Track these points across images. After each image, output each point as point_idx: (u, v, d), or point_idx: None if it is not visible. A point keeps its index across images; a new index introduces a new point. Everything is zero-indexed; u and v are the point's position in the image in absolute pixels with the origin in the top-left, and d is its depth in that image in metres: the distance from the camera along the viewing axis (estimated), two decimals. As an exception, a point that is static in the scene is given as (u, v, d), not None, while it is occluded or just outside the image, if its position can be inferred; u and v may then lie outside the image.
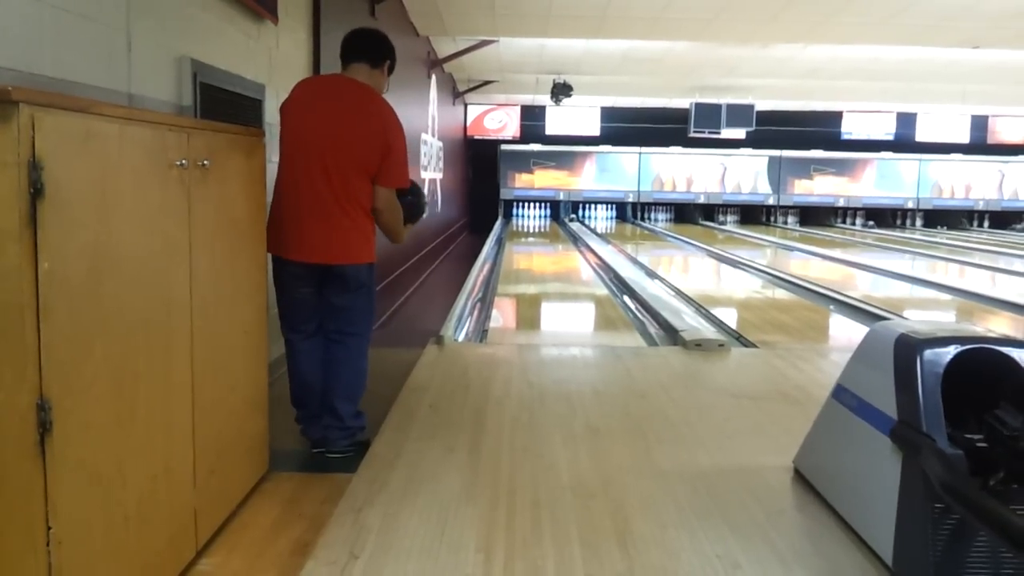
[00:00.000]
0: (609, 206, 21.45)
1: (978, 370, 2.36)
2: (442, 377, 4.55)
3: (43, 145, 1.61)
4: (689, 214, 21.37)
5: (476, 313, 7.56)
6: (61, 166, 1.67)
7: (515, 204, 21.18)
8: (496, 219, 19.59)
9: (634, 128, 20.43)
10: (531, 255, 14.41)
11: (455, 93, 16.18)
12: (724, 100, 16.69)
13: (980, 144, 20.72)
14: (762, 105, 17.37)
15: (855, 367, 2.83)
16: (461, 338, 6.15)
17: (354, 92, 3.24)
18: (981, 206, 21.50)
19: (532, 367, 4.96)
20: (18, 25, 2.26)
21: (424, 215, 3.47)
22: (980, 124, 20.56)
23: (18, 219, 1.59)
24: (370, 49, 3.32)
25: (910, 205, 21.46)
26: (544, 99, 16.33)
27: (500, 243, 14.77)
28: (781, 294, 9.21)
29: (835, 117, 20.47)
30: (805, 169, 21.13)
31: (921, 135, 20.65)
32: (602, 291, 9.22)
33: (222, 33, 3.80)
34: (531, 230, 19.37)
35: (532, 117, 20.52)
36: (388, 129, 3.23)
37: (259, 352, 2.97)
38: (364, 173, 3.19)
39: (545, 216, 21.20)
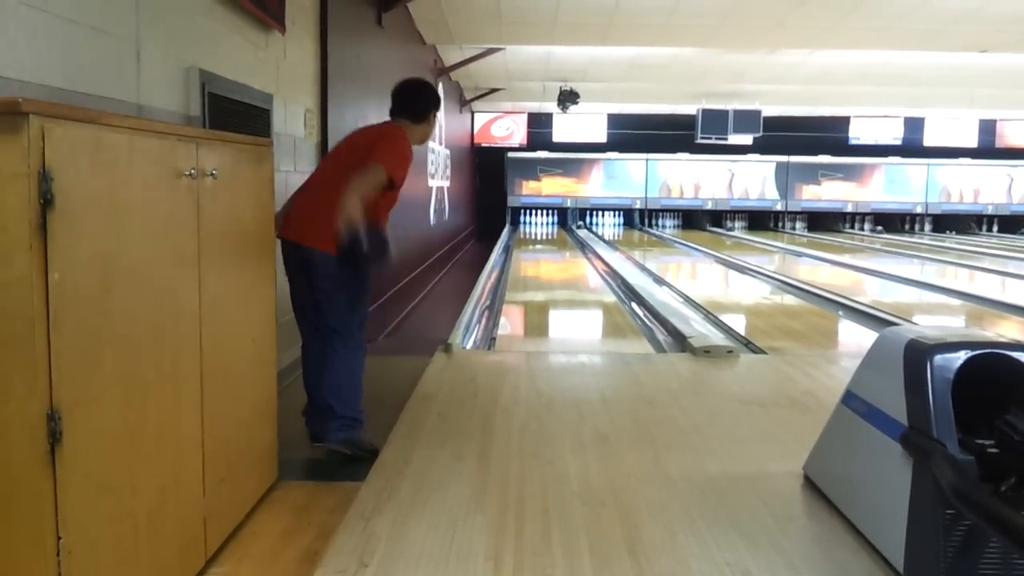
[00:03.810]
0: (616, 213, 21.43)
1: (988, 375, 2.35)
2: (450, 385, 4.55)
3: (53, 156, 1.62)
4: (697, 220, 21.34)
5: (484, 321, 7.56)
6: (71, 177, 1.68)
7: (522, 211, 21.19)
8: (503, 226, 19.60)
9: (641, 135, 20.44)
10: (539, 262, 14.40)
11: (462, 101, 16.22)
12: (731, 106, 16.67)
13: (988, 148, 20.67)
14: (769, 111, 17.35)
15: (865, 373, 2.82)
16: (469, 346, 6.15)
17: (382, 129, 3.60)
18: (990, 210, 21.42)
19: (540, 374, 4.95)
20: (28, 37, 2.28)
21: (382, 265, 3.53)
22: (988, 128, 20.52)
23: (28, 229, 1.59)
24: (410, 107, 3.65)
25: (919, 210, 21.40)
26: (551, 106, 16.35)
27: (507, 250, 14.77)
28: (790, 300, 9.18)
29: (843, 122, 20.45)
30: (813, 174, 21.09)
31: (929, 139, 20.62)
32: (610, 298, 9.21)
33: (230, 43, 3.82)
34: (538, 237, 19.36)
35: (539, 124, 20.55)
36: (384, 136, 3.50)
37: (268, 361, 2.98)
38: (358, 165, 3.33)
39: (552, 223, 21.20)
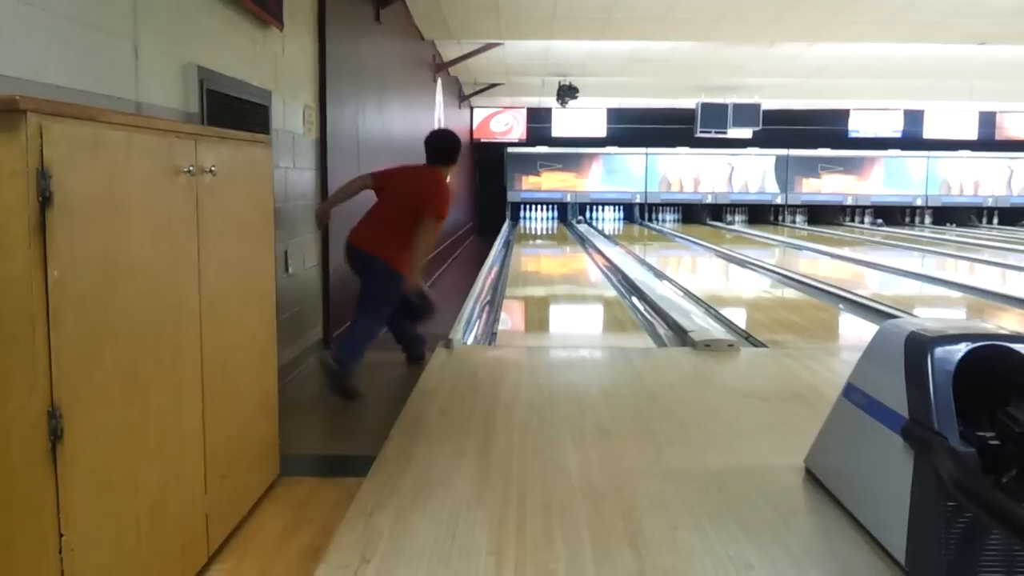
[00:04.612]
0: (616, 207, 21.43)
1: (989, 367, 2.35)
2: (451, 380, 4.56)
3: (51, 154, 1.62)
4: (697, 214, 21.34)
5: (485, 316, 7.56)
6: (69, 174, 1.68)
7: (522, 207, 21.19)
8: (503, 222, 19.59)
9: (640, 129, 20.42)
10: (539, 257, 14.40)
11: (461, 96, 16.19)
12: (730, 100, 16.64)
13: (988, 140, 20.63)
14: (768, 104, 17.32)
15: (865, 366, 2.82)
16: (470, 341, 6.16)
17: (429, 178, 4.70)
18: (990, 203, 21.42)
19: (541, 369, 4.96)
20: (26, 35, 2.27)
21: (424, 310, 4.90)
22: (988, 120, 20.48)
23: (27, 227, 1.59)
24: (445, 156, 4.81)
25: (919, 203, 21.40)
26: (550, 101, 16.32)
27: (508, 246, 14.77)
28: (790, 293, 9.18)
29: (842, 115, 20.42)
30: (813, 168, 21.08)
31: (929, 132, 20.58)
32: (610, 292, 9.21)
33: (228, 40, 3.81)
34: (538, 232, 19.36)
35: (538, 119, 20.52)
36: (435, 192, 4.61)
37: (268, 357, 2.98)
38: (415, 217, 4.52)
39: (552, 218, 21.20)
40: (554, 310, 8.53)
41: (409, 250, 4.50)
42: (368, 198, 4.82)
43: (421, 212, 4.51)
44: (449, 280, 10.43)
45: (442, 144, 4.85)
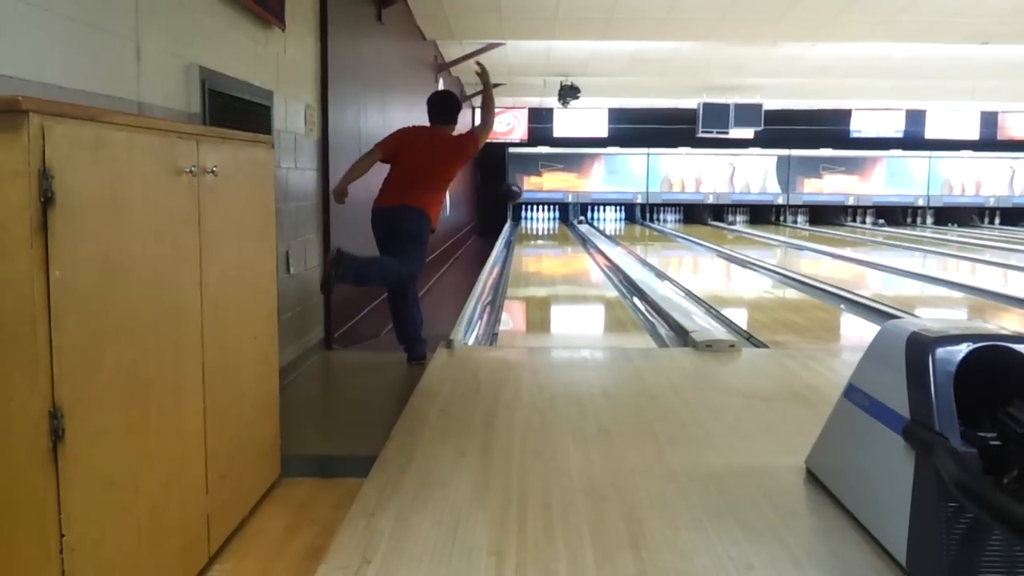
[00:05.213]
0: (618, 208, 21.42)
1: (991, 368, 2.35)
2: (452, 381, 4.55)
3: (53, 154, 1.62)
4: (698, 215, 21.33)
5: (486, 316, 7.56)
6: (71, 174, 1.68)
7: (524, 207, 21.18)
8: (505, 222, 19.59)
9: (642, 129, 20.41)
10: (540, 258, 14.41)
11: (463, 96, 16.18)
12: (732, 100, 16.64)
13: (990, 140, 20.61)
14: (770, 104, 17.31)
15: (867, 366, 2.82)
16: (471, 342, 6.15)
17: (446, 139, 5.15)
18: (992, 203, 21.40)
19: (542, 370, 4.96)
20: (28, 35, 2.27)
21: (516, 194, 5.83)
22: (990, 120, 20.46)
23: (29, 227, 1.60)
24: (450, 118, 5.28)
25: (920, 203, 21.38)
26: (552, 101, 16.32)
27: (509, 246, 14.77)
28: (792, 294, 9.18)
29: (844, 115, 20.40)
30: (814, 168, 21.07)
31: (931, 132, 20.56)
32: (612, 293, 9.21)
33: (230, 40, 3.82)
34: (540, 233, 19.36)
35: (540, 119, 20.51)
36: (463, 143, 5.18)
37: (269, 357, 2.98)
38: (446, 184, 5.20)
39: (554, 218, 21.20)
40: (555, 310, 8.53)
41: (436, 204, 4.99)
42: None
43: (470, 154, 5.22)
44: (450, 280, 10.44)
45: (446, 103, 5.33)
